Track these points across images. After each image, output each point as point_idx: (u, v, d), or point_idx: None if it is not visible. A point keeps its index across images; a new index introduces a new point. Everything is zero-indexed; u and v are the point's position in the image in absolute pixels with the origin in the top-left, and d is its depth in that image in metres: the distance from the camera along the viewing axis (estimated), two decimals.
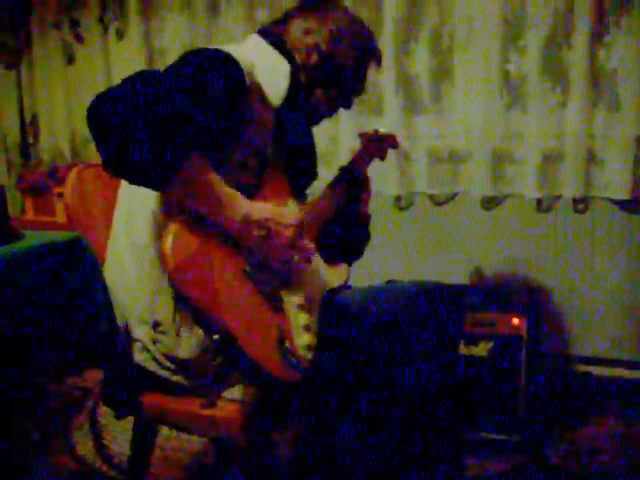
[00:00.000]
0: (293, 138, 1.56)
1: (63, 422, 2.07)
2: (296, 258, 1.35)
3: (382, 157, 1.80)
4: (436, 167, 2.67)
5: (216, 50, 1.34)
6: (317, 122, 1.65)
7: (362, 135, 1.79)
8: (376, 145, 1.77)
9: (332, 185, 1.68)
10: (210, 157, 1.24)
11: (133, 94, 1.13)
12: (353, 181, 1.71)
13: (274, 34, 1.51)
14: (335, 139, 2.72)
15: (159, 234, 1.32)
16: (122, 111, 1.11)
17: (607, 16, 2.41)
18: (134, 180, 1.20)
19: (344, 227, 1.70)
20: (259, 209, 1.29)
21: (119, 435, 2.10)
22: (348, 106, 1.62)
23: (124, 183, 1.48)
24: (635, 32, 2.35)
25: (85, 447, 2.10)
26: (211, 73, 1.28)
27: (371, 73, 1.63)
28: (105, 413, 2.11)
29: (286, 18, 1.54)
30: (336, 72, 1.52)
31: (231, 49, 1.36)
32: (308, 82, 1.50)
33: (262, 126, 1.40)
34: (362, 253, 1.77)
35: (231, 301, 1.28)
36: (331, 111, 1.61)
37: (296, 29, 1.51)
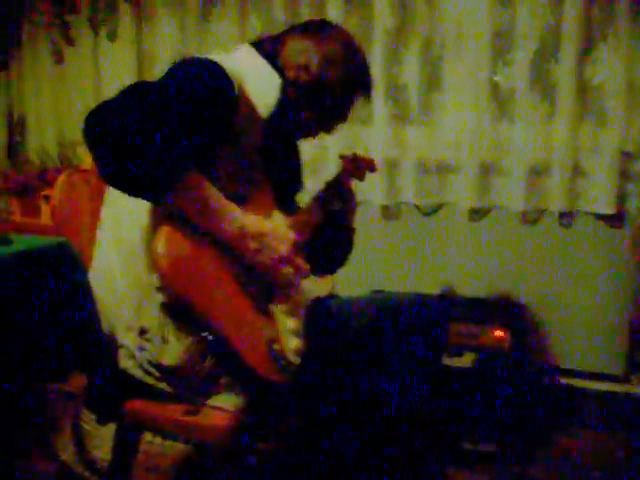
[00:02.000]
0: (280, 149, 1.56)
1: (45, 427, 2.06)
2: (290, 273, 1.36)
3: (360, 179, 1.82)
4: (424, 177, 2.68)
5: (206, 60, 1.34)
6: (304, 137, 1.65)
7: (342, 157, 1.81)
8: (354, 168, 1.79)
9: (317, 199, 1.69)
10: (198, 168, 1.24)
11: (129, 108, 1.13)
12: (337, 196, 1.72)
13: (268, 48, 1.51)
14: (323, 148, 2.72)
15: (147, 239, 1.33)
16: (118, 125, 1.11)
17: (594, 32, 2.44)
18: (132, 193, 1.19)
19: (329, 239, 1.71)
20: (255, 222, 1.30)
21: (102, 440, 2.10)
22: (328, 131, 1.62)
23: (111, 189, 1.48)
24: (621, 48, 2.39)
25: (67, 452, 2.09)
26: (200, 85, 1.28)
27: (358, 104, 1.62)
28: (88, 418, 2.10)
29: (283, 35, 1.54)
30: (321, 97, 1.50)
31: (222, 59, 1.36)
32: (295, 100, 1.49)
33: (250, 137, 1.40)
34: (344, 264, 1.78)
35: (222, 302, 1.29)
36: (313, 134, 1.61)
37: (291, 47, 1.50)
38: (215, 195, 1.25)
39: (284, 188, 1.60)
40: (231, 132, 1.35)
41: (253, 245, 1.30)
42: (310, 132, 1.61)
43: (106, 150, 1.13)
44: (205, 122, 1.26)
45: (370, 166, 1.82)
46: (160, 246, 1.22)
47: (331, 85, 1.50)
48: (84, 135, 1.14)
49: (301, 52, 1.49)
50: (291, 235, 1.36)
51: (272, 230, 1.33)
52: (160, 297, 1.32)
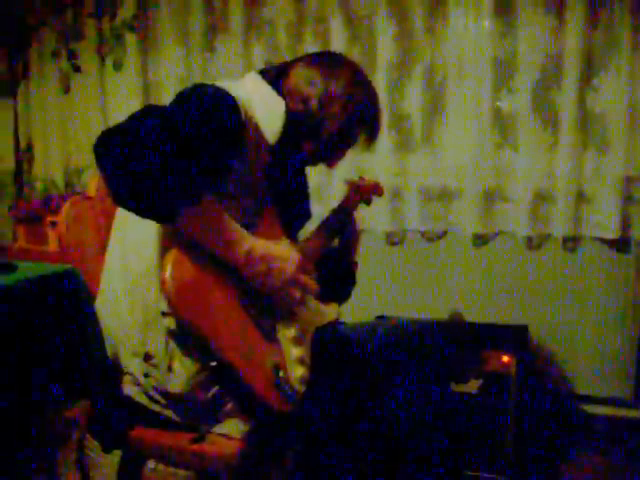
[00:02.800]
0: (287, 176, 1.57)
1: (49, 454, 2.05)
2: (297, 295, 1.35)
3: (367, 203, 1.83)
4: (428, 204, 2.69)
5: (214, 87, 1.35)
6: (306, 165, 1.65)
7: (348, 182, 1.82)
8: (361, 192, 1.79)
9: (320, 229, 1.70)
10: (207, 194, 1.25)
11: (140, 132, 1.14)
12: (340, 227, 1.72)
13: (273, 74, 1.51)
14: (327, 175, 2.73)
15: (155, 266, 1.34)
16: (129, 148, 1.12)
17: (596, 59, 2.47)
18: (144, 215, 1.20)
19: (331, 272, 1.70)
20: (263, 246, 1.30)
21: (106, 468, 2.08)
22: (329, 165, 1.59)
23: (118, 216, 1.49)
24: (623, 75, 2.41)
25: (72, 479, 2.08)
26: (209, 111, 1.28)
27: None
28: (92, 446, 2.09)
29: (292, 62, 1.54)
30: (318, 130, 1.49)
31: (229, 86, 1.37)
32: (295, 128, 1.48)
33: (257, 163, 1.41)
34: (348, 297, 1.78)
35: (229, 328, 1.29)
36: (313, 164, 1.60)
37: (297, 75, 1.49)
38: (223, 218, 1.25)
39: (292, 216, 1.60)
40: (239, 159, 1.36)
41: (261, 268, 1.30)
42: (311, 162, 1.60)
43: (117, 172, 1.13)
44: (213, 148, 1.27)
45: (377, 189, 1.82)
46: (167, 271, 1.22)
47: (330, 120, 1.48)
48: (95, 156, 1.15)
49: (305, 83, 1.48)
50: (298, 257, 1.35)
51: (280, 253, 1.33)
52: (166, 323, 1.33)
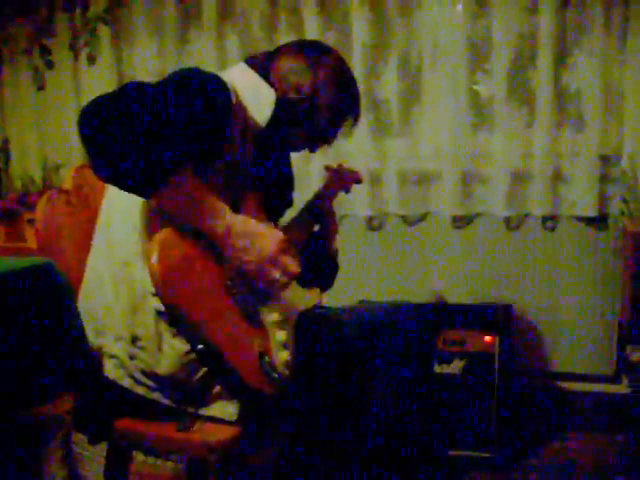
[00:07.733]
0: (272, 162, 1.58)
1: (35, 450, 2.04)
2: (277, 275, 1.34)
3: (347, 190, 1.84)
4: (407, 188, 2.70)
5: (204, 71, 1.37)
6: (296, 150, 1.68)
7: (328, 168, 1.83)
8: (341, 179, 1.81)
9: (298, 219, 1.70)
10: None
11: (125, 104, 1.15)
12: (319, 215, 1.73)
13: (260, 64, 1.54)
14: (305, 162, 2.73)
15: (139, 251, 1.34)
16: (114, 120, 1.13)
17: (569, 39, 2.48)
18: (123, 187, 1.20)
19: (311, 261, 1.71)
20: (243, 222, 1.30)
21: (93, 462, 2.08)
22: (311, 150, 1.63)
23: (104, 206, 1.49)
24: (596, 54, 2.43)
25: (59, 475, 2.07)
26: (198, 92, 1.30)
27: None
28: (78, 440, 2.08)
29: (278, 51, 1.57)
30: (307, 117, 1.53)
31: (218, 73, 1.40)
32: (284, 116, 1.50)
33: (244, 148, 1.42)
34: (332, 284, 1.78)
35: (215, 313, 1.30)
36: (298, 149, 1.64)
37: (284, 65, 1.53)
38: (205, 193, 1.25)
39: (274, 203, 1.60)
40: (226, 141, 1.36)
41: (240, 244, 1.29)
42: (295, 148, 1.64)
43: (97, 143, 1.14)
44: (199, 128, 1.27)
45: (356, 178, 1.84)
46: (154, 256, 1.23)
47: (318, 109, 1.52)
48: (78, 127, 1.16)
49: (293, 72, 1.52)
50: (280, 235, 1.35)
51: (260, 230, 1.32)
52: (156, 304, 1.31)
